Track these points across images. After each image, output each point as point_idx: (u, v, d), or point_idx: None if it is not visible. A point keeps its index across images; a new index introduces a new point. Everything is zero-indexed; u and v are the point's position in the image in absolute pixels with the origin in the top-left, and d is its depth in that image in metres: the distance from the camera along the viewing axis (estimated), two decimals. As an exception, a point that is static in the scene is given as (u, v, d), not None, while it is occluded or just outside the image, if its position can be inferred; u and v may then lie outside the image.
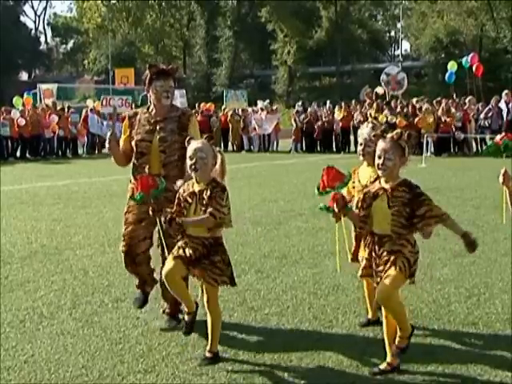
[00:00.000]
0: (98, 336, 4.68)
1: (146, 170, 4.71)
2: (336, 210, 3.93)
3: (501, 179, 3.95)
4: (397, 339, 3.94)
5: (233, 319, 5.03)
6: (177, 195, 4.19)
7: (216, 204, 3.96)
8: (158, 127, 4.77)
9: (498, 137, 4.16)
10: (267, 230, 8.53)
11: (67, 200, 11.77)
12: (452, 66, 24.57)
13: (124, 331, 4.78)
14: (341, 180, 3.98)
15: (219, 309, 4.23)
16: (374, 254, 3.90)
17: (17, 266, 6.82)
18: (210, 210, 3.95)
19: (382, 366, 3.98)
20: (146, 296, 5.02)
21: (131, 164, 4.95)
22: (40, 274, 6.49)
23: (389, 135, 3.82)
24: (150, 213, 4.22)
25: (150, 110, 4.90)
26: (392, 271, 3.81)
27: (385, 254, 3.84)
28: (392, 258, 3.81)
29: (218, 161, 4.07)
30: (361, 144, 4.54)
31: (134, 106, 21.38)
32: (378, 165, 3.82)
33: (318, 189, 4.02)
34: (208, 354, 4.15)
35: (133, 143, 4.83)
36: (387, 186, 3.84)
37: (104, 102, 22.80)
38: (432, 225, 3.82)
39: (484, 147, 4.64)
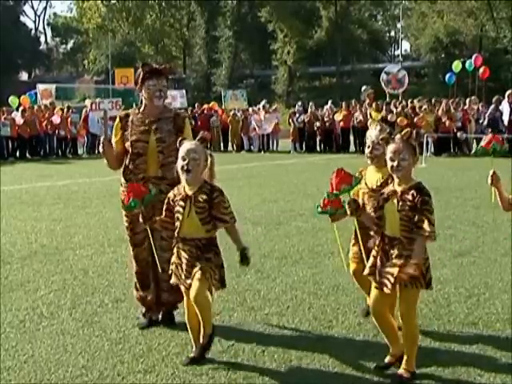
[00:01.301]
0: (98, 336, 4.68)
1: (144, 171, 4.68)
2: (348, 212, 3.93)
3: (489, 181, 3.98)
4: (401, 368, 3.89)
5: (233, 319, 5.02)
6: (165, 200, 4.17)
7: (223, 209, 4.02)
8: (153, 127, 4.70)
9: (486, 140, 4.17)
10: (267, 230, 8.53)
11: (67, 200, 11.78)
12: (457, 66, 24.57)
13: (124, 331, 4.78)
14: (348, 183, 3.96)
15: (208, 299, 4.08)
16: (383, 253, 3.87)
17: (17, 266, 6.82)
18: (220, 217, 4.00)
19: (387, 360, 3.99)
20: (151, 322, 4.94)
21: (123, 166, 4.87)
22: (40, 274, 6.49)
23: (398, 136, 3.78)
24: (141, 220, 4.21)
25: (142, 110, 4.83)
26: (409, 289, 3.78)
27: (394, 257, 3.79)
28: (401, 262, 3.77)
29: (208, 163, 4.07)
30: (368, 146, 4.45)
31: (134, 105, 21.35)
32: (393, 167, 3.77)
33: (328, 192, 4.01)
34: (203, 340, 4.08)
35: (127, 144, 4.75)
36: (399, 189, 3.80)
37: (94, 106, 22.73)
38: (416, 235, 3.74)
39: (473, 150, 4.69)
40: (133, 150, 4.73)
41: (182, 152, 4.03)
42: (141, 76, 4.76)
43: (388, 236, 3.85)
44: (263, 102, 26.20)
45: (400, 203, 3.75)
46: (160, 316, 4.95)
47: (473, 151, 4.88)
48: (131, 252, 4.93)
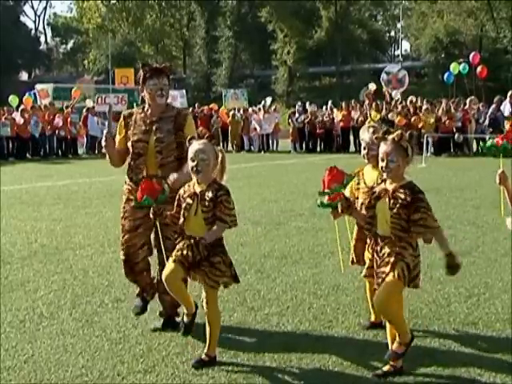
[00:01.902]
0: (98, 336, 4.68)
1: (144, 171, 4.70)
2: (339, 210, 3.93)
3: (497, 180, 3.98)
4: (395, 344, 3.92)
5: (233, 319, 5.02)
6: (177, 196, 4.17)
7: (225, 209, 3.97)
8: (154, 127, 4.71)
9: (499, 137, 4.16)
10: (267, 230, 8.53)
11: (67, 200, 11.78)
12: (455, 68, 24.57)
13: (124, 331, 4.78)
14: (338, 181, 3.97)
15: (218, 311, 4.21)
16: (376, 254, 3.90)
17: (17, 266, 6.82)
18: (221, 216, 3.95)
19: (385, 368, 3.96)
20: (146, 304, 4.95)
21: (126, 165, 4.88)
22: (40, 273, 6.49)
23: (390, 137, 3.81)
24: (151, 216, 4.19)
25: (145, 109, 4.85)
26: (390, 278, 3.80)
27: (386, 255, 3.83)
28: (392, 259, 3.79)
29: (219, 160, 4.06)
30: (364, 148, 4.54)
31: (134, 105, 21.37)
32: (382, 168, 3.82)
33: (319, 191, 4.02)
34: (204, 357, 4.12)
35: (129, 144, 4.78)
36: (390, 188, 3.84)
37: (99, 101, 22.83)
38: (421, 233, 3.80)
39: (482, 144, 4.60)
40: (134, 150, 4.76)
41: (190, 153, 4.03)
42: (142, 76, 4.78)
43: (379, 235, 3.88)
44: (268, 100, 26.31)
45: (391, 201, 3.78)
46: (160, 323, 4.92)
47: (484, 145, 4.79)
48: (121, 239, 4.80)
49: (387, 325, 4.02)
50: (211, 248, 4.02)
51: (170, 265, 4.10)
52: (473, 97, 22.67)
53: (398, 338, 3.91)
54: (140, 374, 4.02)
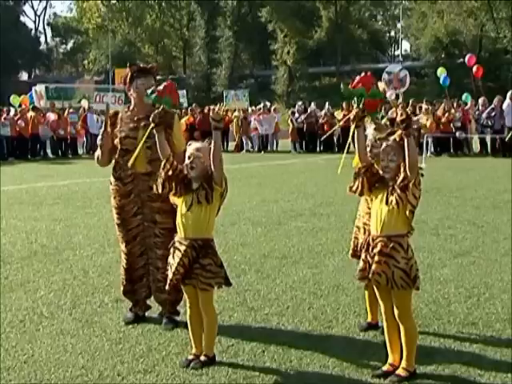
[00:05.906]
0: (98, 336, 4.68)
1: (131, 167, 4.74)
2: (352, 117, 4.02)
3: None
4: (400, 369, 3.88)
5: (233, 319, 5.02)
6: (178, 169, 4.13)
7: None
8: (142, 124, 4.76)
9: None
10: (267, 230, 8.53)
11: (67, 200, 11.77)
12: (441, 72, 24.65)
13: (124, 331, 4.78)
14: (366, 85, 4.02)
15: (214, 312, 4.21)
16: (367, 254, 3.89)
17: (17, 266, 6.82)
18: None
19: (385, 368, 3.96)
20: (137, 318, 4.99)
21: (112, 163, 4.99)
22: (40, 274, 6.50)
23: (391, 137, 3.80)
24: (151, 120, 4.25)
25: (130, 108, 4.93)
26: (399, 292, 3.80)
27: (376, 256, 3.81)
28: (383, 259, 3.78)
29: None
30: (367, 146, 4.44)
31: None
32: (383, 167, 3.82)
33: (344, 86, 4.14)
34: (203, 358, 4.12)
35: (116, 141, 4.87)
36: (391, 183, 3.83)
37: (98, 99, 22.87)
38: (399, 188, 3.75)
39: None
40: (121, 147, 4.86)
41: (188, 151, 4.11)
42: (129, 76, 4.85)
43: (372, 234, 3.88)
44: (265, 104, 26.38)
45: (389, 196, 3.77)
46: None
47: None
48: (123, 249, 4.96)
49: (386, 327, 4.00)
50: (201, 249, 4.04)
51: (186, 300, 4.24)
52: (469, 96, 22.69)
53: (403, 361, 3.88)
54: (140, 373, 4.02)
